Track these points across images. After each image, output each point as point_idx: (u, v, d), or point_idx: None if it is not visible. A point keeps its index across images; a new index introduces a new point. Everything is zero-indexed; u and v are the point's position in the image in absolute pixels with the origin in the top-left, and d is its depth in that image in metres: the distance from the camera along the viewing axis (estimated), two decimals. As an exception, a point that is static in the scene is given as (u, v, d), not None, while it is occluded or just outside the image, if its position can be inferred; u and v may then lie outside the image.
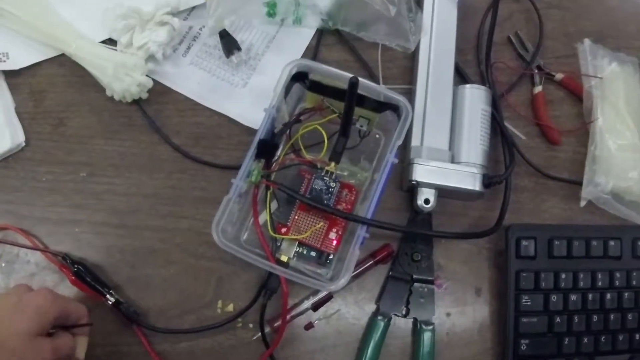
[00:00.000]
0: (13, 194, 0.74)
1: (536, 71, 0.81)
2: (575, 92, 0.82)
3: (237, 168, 0.64)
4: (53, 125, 0.76)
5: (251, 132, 0.73)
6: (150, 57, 0.77)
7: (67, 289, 0.71)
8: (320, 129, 0.67)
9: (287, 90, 0.68)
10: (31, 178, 0.75)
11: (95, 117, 0.77)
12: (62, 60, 0.78)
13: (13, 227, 0.72)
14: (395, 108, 0.67)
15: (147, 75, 0.75)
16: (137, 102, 0.77)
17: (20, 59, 0.77)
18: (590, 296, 0.72)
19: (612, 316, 0.72)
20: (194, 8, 0.81)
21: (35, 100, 0.77)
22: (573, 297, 0.71)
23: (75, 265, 0.70)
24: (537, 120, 0.79)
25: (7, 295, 0.60)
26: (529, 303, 0.71)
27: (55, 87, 0.78)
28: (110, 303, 0.69)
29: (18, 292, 0.60)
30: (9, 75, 0.78)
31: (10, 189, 0.74)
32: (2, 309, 0.58)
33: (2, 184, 0.74)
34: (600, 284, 0.72)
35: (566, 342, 0.71)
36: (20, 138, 0.75)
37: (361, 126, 0.71)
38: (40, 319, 0.57)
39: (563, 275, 0.71)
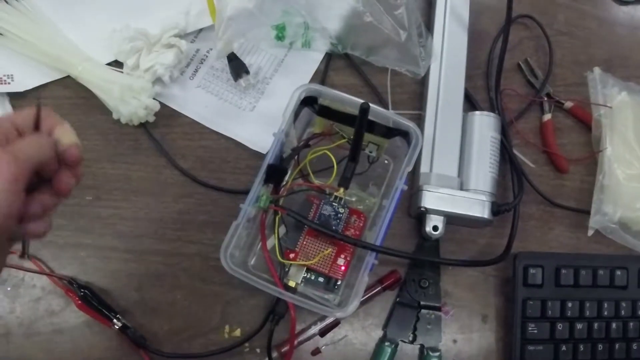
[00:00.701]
0: (17, 218, 0.78)
1: (545, 99, 0.86)
2: (584, 121, 0.87)
3: (244, 192, 0.68)
4: (58, 148, 0.81)
5: (258, 156, 0.78)
6: (157, 80, 0.81)
7: (74, 313, 0.75)
8: (329, 154, 0.72)
9: (296, 114, 0.72)
10: (36, 202, 0.79)
11: (101, 140, 0.81)
12: (68, 83, 0.82)
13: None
14: (404, 134, 0.72)
15: (154, 98, 0.80)
16: (143, 125, 0.81)
17: (25, 81, 0.82)
18: (596, 325, 0.76)
19: (617, 345, 0.76)
20: (201, 30, 0.85)
21: (41, 122, 0.82)
22: (579, 326, 0.76)
23: (82, 290, 0.74)
24: (545, 148, 0.84)
25: None
26: (535, 331, 0.75)
27: (60, 110, 0.81)
28: (117, 328, 0.73)
29: None
30: (14, 97, 0.82)
31: (14, 212, 0.78)
32: None
33: (6, 207, 0.78)
34: (606, 313, 0.76)
35: (572, 371, 0.75)
36: (26, 161, 0.79)
37: (370, 152, 0.76)
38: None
39: (569, 304, 0.76)
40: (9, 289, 0.76)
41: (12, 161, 0.45)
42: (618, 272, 0.78)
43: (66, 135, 0.52)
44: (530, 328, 0.75)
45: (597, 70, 0.87)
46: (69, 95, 0.83)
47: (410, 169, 0.69)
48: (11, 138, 0.48)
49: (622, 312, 0.77)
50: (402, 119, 0.71)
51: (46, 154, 0.49)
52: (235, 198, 0.74)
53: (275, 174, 0.71)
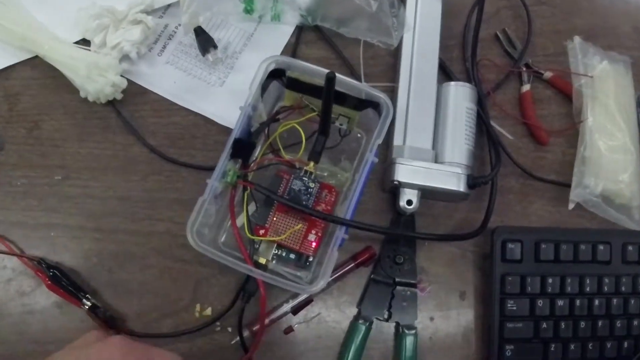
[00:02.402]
0: (-13, 199, 0.76)
1: (524, 69, 0.84)
2: (564, 91, 0.84)
3: (213, 169, 0.66)
4: (27, 129, 0.79)
5: (229, 132, 0.74)
6: (125, 57, 0.79)
7: (44, 294, 0.73)
8: (299, 127, 0.69)
9: (264, 88, 0.70)
10: (6, 183, 0.77)
11: (69, 119, 0.79)
12: (36, 63, 0.80)
13: (-12, 232, 0.75)
14: (375, 106, 0.70)
15: (121, 76, 0.77)
16: (111, 103, 0.79)
17: (-7, 62, 0.80)
18: (577, 302, 0.74)
19: (600, 322, 0.74)
20: (169, 6, 0.83)
21: (9, 103, 0.80)
22: (560, 303, 0.73)
23: (51, 270, 0.72)
24: (524, 119, 0.82)
25: (73, 350, 0.54)
26: (514, 308, 0.73)
27: (29, 90, 0.80)
28: (87, 308, 0.71)
29: (84, 344, 0.55)
30: (-18, 79, 0.80)
31: (-16, 193, 0.77)
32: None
33: (-24, 189, 0.77)
34: (588, 289, 0.74)
35: (552, 349, 0.73)
36: (-5, 142, 0.77)
37: (341, 124, 0.73)
38: None
39: (550, 280, 0.73)
40: (-21, 271, 0.74)
41: None
42: (601, 247, 0.75)
43: None
44: (509, 305, 0.73)
45: (577, 39, 0.84)
46: (37, 75, 0.81)
47: (380, 141, 0.67)
48: None
49: (605, 288, 0.74)
50: (372, 90, 0.68)
51: None
52: (204, 175, 0.71)
53: (242, 148, 0.69)
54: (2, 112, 0.79)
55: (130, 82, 0.79)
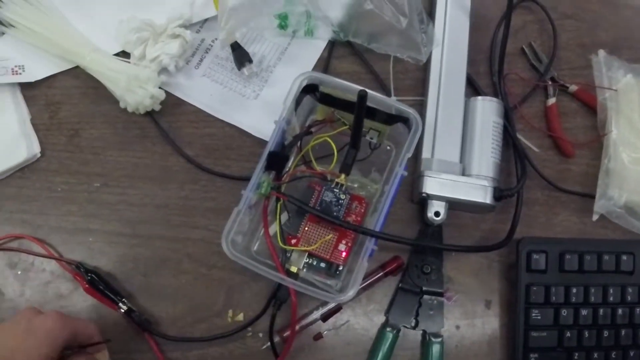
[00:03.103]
0: (29, 204, 0.79)
1: (550, 83, 0.85)
2: (589, 104, 0.85)
3: (247, 179, 0.68)
4: (68, 137, 0.81)
5: (263, 143, 0.77)
6: (163, 70, 0.81)
7: (81, 296, 0.75)
8: (330, 141, 0.71)
9: (298, 102, 0.72)
10: (46, 188, 0.79)
11: (109, 128, 0.81)
12: (77, 73, 0.83)
13: (28, 237, 0.77)
14: (405, 120, 0.71)
15: (160, 88, 0.79)
16: (150, 113, 0.81)
17: (36, 71, 0.82)
18: (601, 311, 0.74)
19: (623, 332, 0.75)
20: (206, 20, 0.85)
21: (51, 111, 0.82)
22: (584, 312, 0.74)
23: (89, 274, 0.74)
24: (550, 132, 0.83)
25: (15, 321, 0.62)
26: (539, 317, 0.74)
27: (70, 99, 0.83)
28: (123, 311, 0.73)
29: (27, 316, 0.63)
30: (25, 87, 0.83)
31: (26, 198, 0.79)
32: (12, 336, 0.60)
33: (18, 194, 0.79)
34: (611, 299, 0.75)
35: (576, 358, 0.73)
36: (36, 149, 0.80)
37: (371, 138, 0.75)
38: (51, 343, 0.59)
39: (574, 290, 0.74)
40: (19, 272, 0.77)
41: None
42: (624, 257, 0.76)
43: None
44: (534, 314, 0.74)
45: (602, 53, 0.85)
46: (78, 85, 0.83)
47: (410, 155, 0.68)
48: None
49: (629, 298, 0.75)
50: (402, 105, 0.70)
51: None
52: (239, 185, 0.73)
53: (276, 161, 0.70)
54: (44, 120, 0.82)
55: (168, 93, 0.81)
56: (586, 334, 0.74)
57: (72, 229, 0.78)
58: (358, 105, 0.63)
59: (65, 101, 0.82)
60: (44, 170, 0.80)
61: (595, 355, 0.74)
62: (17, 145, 0.79)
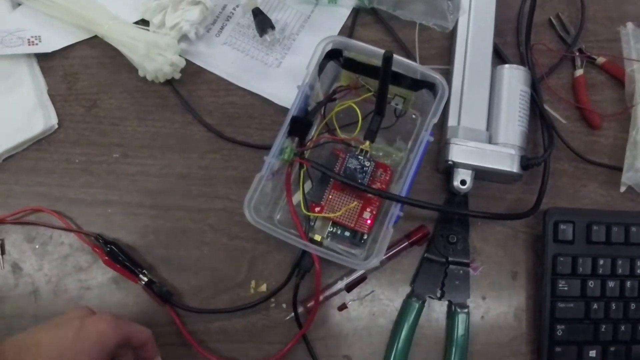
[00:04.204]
0: (46, 176, 0.79)
1: (577, 54, 0.84)
2: (617, 76, 0.84)
3: (270, 148, 0.67)
4: (86, 107, 0.81)
5: (285, 112, 0.76)
6: (183, 37, 0.81)
7: (101, 269, 0.75)
8: (355, 106, 0.71)
9: (321, 68, 0.71)
10: (64, 160, 0.79)
11: (128, 98, 0.81)
12: (95, 42, 0.83)
13: (47, 209, 0.77)
14: (431, 86, 0.70)
15: (180, 55, 0.79)
16: (169, 82, 0.81)
17: (53, 41, 0.82)
18: (628, 283, 0.74)
19: (651, 304, 0.74)
20: (228, -13, 0.84)
21: (68, 82, 0.82)
22: (611, 284, 0.74)
23: (109, 246, 0.74)
24: (577, 104, 0.82)
25: (68, 319, 0.61)
26: (565, 288, 0.73)
27: (88, 69, 0.82)
28: (143, 283, 0.73)
29: (80, 316, 0.62)
30: (42, 58, 0.83)
31: (43, 171, 0.79)
32: (64, 335, 0.58)
33: (35, 166, 0.79)
34: (639, 271, 0.74)
35: (603, 330, 0.73)
36: (53, 120, 0.80)
37: (397, 104, 0.74)
38: (102, 347, 0.59)
39: (601, 262, 0.74)
40: (37, 246, 0.77)
41: None
42: (651, 229, 0.75)
43: None
44: (560, 285, 0.73)
45: (630, 25, 0.84)
46: (96, 54, 0.83)
47: (436, 120, 0.68)
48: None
49: (656, 270, 0.74)
50: (428, 70, 0.69)
51: None
52: (260, 154, 0.72)
53: (299, 126, 0.70)
54: (61, 91, 0.82)
55: (188, 62, 0.81)
56: (613, 306, 0.73)
57: (91, 200, 0.78)
58: (383, 68, 0.63)
59: (83, 71, 0.82)
60: (62, 142, 0.80)
61: (623, 327, 0.73)
62: (34, 117, 0.79)
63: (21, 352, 0.57)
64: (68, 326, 0.60)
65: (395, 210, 0.66)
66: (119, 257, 0.74)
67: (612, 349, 0.73)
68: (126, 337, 0.62)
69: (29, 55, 0.82)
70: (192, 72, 0.82)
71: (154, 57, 0.77)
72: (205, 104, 0.81)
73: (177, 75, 0.80)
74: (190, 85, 0.81)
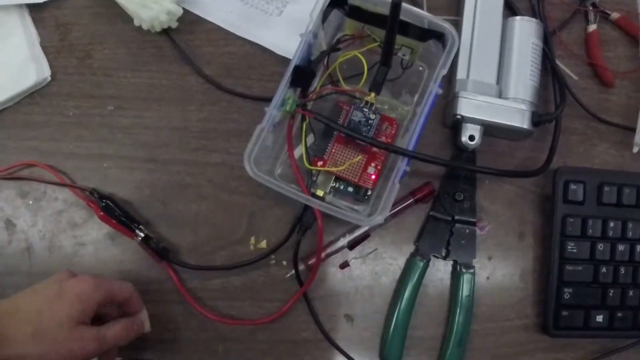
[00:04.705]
0: (39, 130, 0.76)
1: (591, 9, 0.81)
2: (630, 33, 0.81)
3: (271, 100, 0.65)
4: (79, 59, 0.78)
5: (286, 62, 0.73)
6: (180, -15, 0.78)
7: (96, 225, 0.73)
8: (360, 56, 0.68)
9: (325, 16, 0.68)
10: (58, 113, 0.77)
11: (123, 48, 0.78)
12: (88, -8, 0.80)
13: (40, 164, 0.75)
14: (440, 36, 0.68)
15: (176, 4, 0.76)
16: (166, 32, 0.78)
17: (45, -9, 0.79)
18: (638, 247, 0.72)
19: (660, 270, 0.72)
20: None
21: (61, 33, 0.79)
22: (621, 247, 0.72)
23: (104, 200, 0.72)
24: (590, 60, 0.79)
25: (47, 284, 0.61)
26: (574, 250, 0.71)
27: (81, 19, 0.79)
28: (140, 239, 0.71)
29: (59, 279, 0.62)
30: (34, 9, 0.80)
31: (36, 124, 0.77)
32: (43, 298, 0.59)
33: (28, 120, 0.77)
34: (649, 235, 0.72)
35: (611, 294, 0.72)
36: (46, 72, 0.77)
37: (404, 55, 0.71)
38: (82, 306, 0.59)
39: (612, 224, 0.72)
40: (30, 202, 0.75)
41: (96, 340, 0.59)
42: (664, 192, 0.73)
43: (146, 322, 0.68)
44: (569, 247, 0.71)
45: (646, -21, 0.81)
46: (90, 4, 0.80)
47: (445, 71, 0.65)
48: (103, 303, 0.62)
49: (668, 235, 0.72)
50: (437, 19, 0.66)
51: (129, 335, 0.64)
52: (261, 105, 0.70)
53: (302, 76, 0.67)
54: (54, 42, 0.79)
55: (185, 11, 0.78)
56: (622, 270, 0.72)
57: (85, 154, 0.76)
58: (391, 16, 0.60)
59: (76, 22, 0.79)
60: (55, 95, 0.77)
61: (631, 293, 0.72)
62: (26, 70, 0.76)
63: (1, 318, 0.56)
64: (47, 290, 0.60)
65: (402, 164, 0.64)
66: (115, 212, 0.72)
67: (619, 314, 0.72)
68: (107, 294, 0.62)
69: (20, 6, 0.79)
70: (189, 21, 0.79)
71: (150, 5, 0.74)
72: (203, 54, 0.78)
73: (174, 25, 0.77)
74: (187, 35, 0.78)
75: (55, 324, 0.57)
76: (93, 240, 0.74)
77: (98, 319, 0.63)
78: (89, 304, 0.59)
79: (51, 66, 0.78)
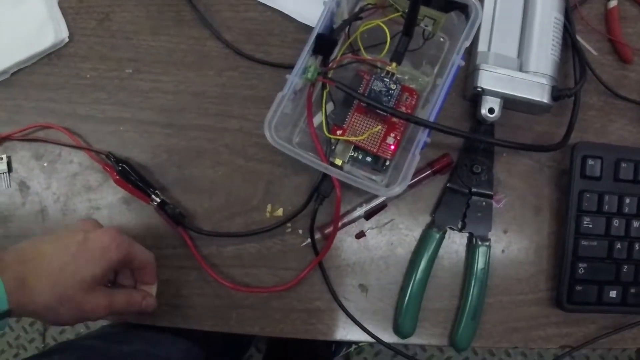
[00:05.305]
0: (56, 92, 0.76)
1: (612, -16, 0.80)
2: (651, 10, 0.81)
3: (290, 67, 0.65)
4: (98, 20, 0.77)
5: (307, 29, 0.74)
6: (201, -53, 0.77)
7: (111, 188, 0.73)
8: (383, 25, 0.67)
9: (349, -16, 0.67)
10: (75, 75, 0.76)
11: (142, 11, 0.78)
12: (109, -46, 0.78)
13: (56, 126, 0.74)
14: (463, 8, 0.67)
15: (198, -32, 0.75)
16: (186, -5, 0.77)
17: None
18: (654, 225, 0.72)
19: (674, 247, 0.72)
20: None
21: (79, -6, 0.78)
22: (636, 224, 0.71)
23: (120, 164, 0.71)
24: (610, 36, 0.78)
25: (73, 232, 0.61)
26: (590, 225, 0.71)
27: (101, -20, 0.78)
28: (155, 204, 0.70)
29: (85, 228, 0.61)
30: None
31: (53, 86, 0.76)
32: (65, 247, 0.58)
33: (45, 81, 0.76)
34: (665, 213, 0.72)
35: (625, 270, 0.71)
36: (64, 33, 0.77)
37: (426, 26, 0.70)
38: (104, 263, 0.59)
39: (627, 200, 0.71)
40: (45, 164, 0.75)
41: (108, 306, 0.60)
42: (681, 171, 0.72)
43: (153, 298, 0.66)
44: (585, 222, 0.71)
45: (670, -46, 0.80)
46: (109, -35, 0.78)
47: (468, 43, 0.65)
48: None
49: (683, 213, 0.72)
50: (461, -10, 0.65)
51: (133, 309, 0.64)
52: (281, 72, 0.70)
53: (324, 44, 0.67)
54: (73, 3, 0.78)
55: (207, -25, 0.77)
56: (637, 246, 0.71)
57: (102, 117, 0.75)
58: (415, -15, 0.59)
59: (97, -17, 0.78)
60: (72, 56, 0.77)
61: (644, 269, 0.71)
62: (44, 30, 0.76)
63: (23, 263, 0.56)
64: (71, 239, 0.59)
65: (423, 136, 0.63)
66: (131, 176, 0.71)
67: (633, 290, 0.72)
68: (129, 255, 0.61)
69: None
70: (210, -15, 0.77)
71: (171, -32, 0.73)
72: (223, 19, 0.77)
73: (195, -12, 0.76)
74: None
75: (76, 283, 0.57)
76: (108, 204, 0.74)
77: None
78: (110, 261, 0.59)
79: (69, 27, 0.77)
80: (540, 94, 0.70)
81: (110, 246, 0.59)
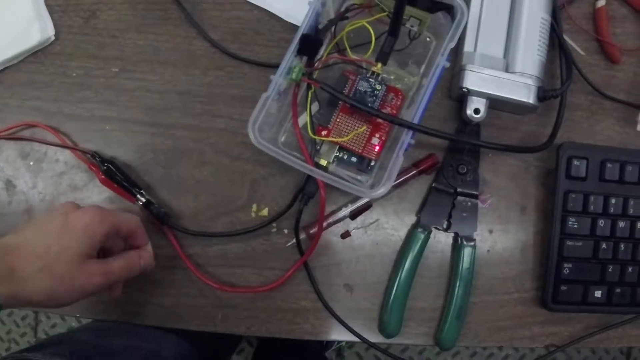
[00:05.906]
0: (42, 90, 0.75)
1: (600, -17, 0.80)
2: (639, 10, 0.80)
3: (277, 66, 0.64)
4: (84, 18, 0.77)
5: (293, 29, 0.73)
6: (188, -52, 0.76)
7: (97, 188, 0.73)
8: (368, 26, 0.66)
9: (335, -16, 0.67)
10: (61, 73, 0.76)
11: (129, 9, 0.77)
12: (95, -49, 0.78)
13: (41, 125, 0.74)
14: (449, 9, 0.67)
15: (184, -33, 0.75)
16: (173, -6, 0.76)
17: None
18: (638, 224, 0.72)
19: (660, 247, 0.72)
20: None
21: (66, -9, 0.77)
22: (621, 224, 0.71)
23: (105, 164, 0.71)
24: (597, 36, 0.78)
25: (53, 216, 0.61)
26: (575, 226, 0.71)
27: (88, -20, 0.78)
28: (141, 203, 0.70)
29: (64, 211, 0.61)
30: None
31: (38, 84, 0.75)
32: (49, 232, 0.59)
33: (30, 80, 0.76)
34: (650, 213, 0.72)
35: (610, 270, 0.71)
36: (50, 31, 0.76)
37: (412, 26, 0.70)
38: (89, 240, 0.59)
39: (613, 200, 0.71)
40: (31, 163, 0.74)
41: (104, 274, 0.60)
42: (666, 171, 0.72)
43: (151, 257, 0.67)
44: (570, 222, 0.71)
45: (657, -46, 0.79)
46: (96, -37, 0.78)
47: (453, 45, 0.65)
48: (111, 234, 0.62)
49: (669, 213, 0.72)
50: (447, -10, 0.65)
51: (133, 271, 0.64)
52: (267, 72, 0.69)
53: (309, 44, 0.66)
54: (59, 1, 0.77)
55: (193, -26, 0.76)
56: (622, 246, 0.71)
57: (88, 116, 0.75)
58: (401, -15, 0.59)
59: (84, -18, 0.77)
60: (58, 54, 0.76)
61: (630, 269, 0.71)
62: (30, 28, 0.75)
63: (8, 253, 0.56)
64: (53, 222, 0.59)
65: (407, 137, 0.63)
66: (116, 175, 0.71)
67: (618, 290, 0.72)
68: (113, 226, 0.61)
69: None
70: (196, -16, 0.77)
71: (157, -34, 0.72)
72: (209, 18, 0.76)
73: (181, -13, 0.75)
74: (194, -2, 0.77)
75: (64, 259, 0.57)
76: (93, 203, 0.73)
77: (103, 253, 0.64)
78: (95, 237, 0.59)
79: (56, 25, 0.76)
80: (526, 95, 0.69)
81: (92, 223, 0.59)
